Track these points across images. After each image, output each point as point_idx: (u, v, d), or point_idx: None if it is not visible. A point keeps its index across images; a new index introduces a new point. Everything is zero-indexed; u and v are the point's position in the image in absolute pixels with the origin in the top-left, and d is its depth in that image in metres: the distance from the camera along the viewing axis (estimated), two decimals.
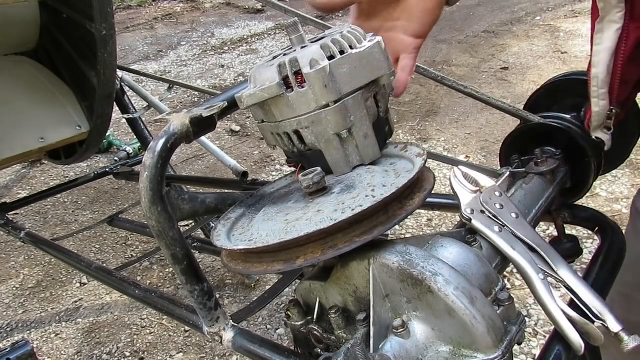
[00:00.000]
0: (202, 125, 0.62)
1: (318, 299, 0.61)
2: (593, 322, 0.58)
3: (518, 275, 2.04)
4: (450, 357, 0.49)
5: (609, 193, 2.50)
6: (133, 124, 2.17)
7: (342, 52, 0.60)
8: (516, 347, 1.72)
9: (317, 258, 0.53)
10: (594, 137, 0.81)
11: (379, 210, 0.54)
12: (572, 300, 0.61)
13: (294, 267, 0.54)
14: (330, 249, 0.53)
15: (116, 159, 3.05)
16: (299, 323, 0.62)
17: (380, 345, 0.51)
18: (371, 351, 0.51)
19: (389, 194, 0.54)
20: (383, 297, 0.53)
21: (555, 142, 0.88)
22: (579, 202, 0.93)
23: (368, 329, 0.53)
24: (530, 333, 1.86)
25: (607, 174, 0.87)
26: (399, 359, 0.49)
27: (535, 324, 1.89)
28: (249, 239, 0.59)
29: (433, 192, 0.75)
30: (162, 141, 0.59)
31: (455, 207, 0.66)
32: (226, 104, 0.64)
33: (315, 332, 0.61)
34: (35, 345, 1.98)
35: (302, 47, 0.61)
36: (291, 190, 0.71)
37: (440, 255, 0.55)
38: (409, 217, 2.53)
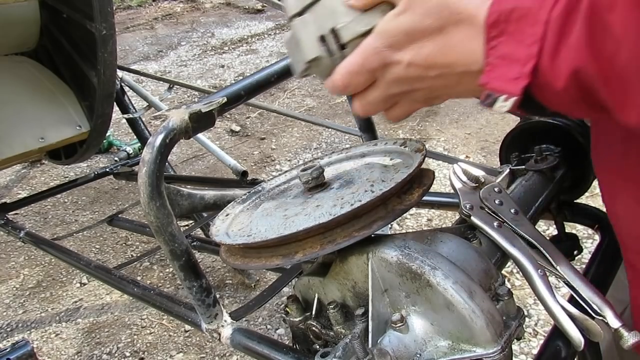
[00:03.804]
0: (201, 121, 0.62)
1: (316, 295, 0.61)
2: (593, 317, 0.58)
3: (518, 275, 2.04)
4: (449, 351, 0.49)
5: None
6: (133, 123, 2.17)
7: None
8: (516, 347, 1.70)
9: (316, 253, 0.53)
10: None
11: (378, 205, 0.54)
12: (571, 296, 0.61)
13: (292, 261, 0.53)
14: (329, 243, 0.52)
15: (116, 159, 3.05)
16: (298, 319, 0.62)
17: (379, 340, 0.51)
18: (369, 346, 0.51)
19: (387, 188, 0.53)
20: (382, 292, 0.53)
21: (555, 140, 0.87)
22: (579, 201, 0.93)
23: (366, 324, 0.53)
24: (530, 333, 1.85)
25: None
26: (397, 354, 0.49)
27: (535, 324, 1.89)
28: (247, 234, 0.59)
29: (433, 190, 0.75)
30: (161, 136, 0.60)
31: (455, 206, 0.66)
32: (225, 99, 0.64)
33: (313, 328, 0.61)
34: (35, 345, 1.98)
35: None
36: (290, 186, 0.71)
37: (439, 250, 0.55)
38: (409, 217, 2.53)
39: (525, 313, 0.85)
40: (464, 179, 0.66)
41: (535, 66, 0.41)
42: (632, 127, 0.40)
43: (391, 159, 0.66)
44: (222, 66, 4.80)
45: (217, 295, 0.72)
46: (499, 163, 0.95)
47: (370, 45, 0.48)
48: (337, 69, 0.51)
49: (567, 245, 0.91)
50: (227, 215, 0.67)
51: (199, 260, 0.70)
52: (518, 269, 0.61)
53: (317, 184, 0.61)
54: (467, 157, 2.99)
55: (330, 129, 3.26)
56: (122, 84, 2.14)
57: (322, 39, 0.51)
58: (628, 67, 0.37)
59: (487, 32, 0.42)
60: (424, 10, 0.45)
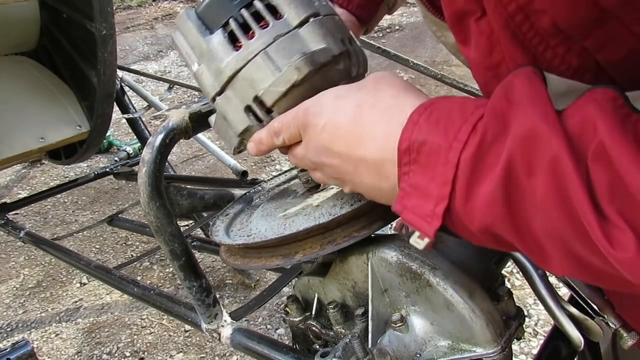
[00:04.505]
0: (201, 121, 0.62)
1: (316, 295, 0.61)
2: (593, 317, 0.58)
3: (518, 275, 2.04)
4: (449, 351, 0.49)
5: None
6: (133, 123, 2.17)
7: None
8: (516, 347, 1.69)
9: (316, 253, 0.53)
10: None
11: (378, 205, 0.54)
12: (571, 296, 0.61)
13: (292, 262, 0.53)
14: (329, 243, 0.52)
15: (116, 159, 3.04)
16: (298, 319, 0.62)
17: (379, 340, 0.51)
18: (369, 346, 0.51)
19: None
20: (381, 292, 0.53)
21: None
22: None
23: (366, 324, 0.53)
24: (530, 333, 1.85)
25: None
26: (397, 354, 0.49)
27: (536, 324, 1.89)
28: (247, 234, 0.59)
29: None
30: (160, 136, 0.60)
31: None
32: None
33: (313, 328, 0.61)
34: (35, 345, 1.98)
35: None
36: (290, 186, 0.71)
37: (439, 250, 0.55)
38: None
39: (525, 313, 0.85)
40: None
41: (447, 207, 0.40)
42: (557, 275, 0.39)
43: None
44: None
45: (217, 295, 0.73)
46: None
47: (304, 103, 0.50)
48: (275, 119, 0.52)
49: None
50: (227, 215, 0.67)
51: (199, 260, 0.70)
52: (518, 269, 0.61)
53: (317, 184, 0.62)
54: None
55: None
56: (122, 84, 2.14)
57: (248, 109, 0.53)
58: (544, 230, 0.35)
59: (399, 157, 0.42)
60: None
